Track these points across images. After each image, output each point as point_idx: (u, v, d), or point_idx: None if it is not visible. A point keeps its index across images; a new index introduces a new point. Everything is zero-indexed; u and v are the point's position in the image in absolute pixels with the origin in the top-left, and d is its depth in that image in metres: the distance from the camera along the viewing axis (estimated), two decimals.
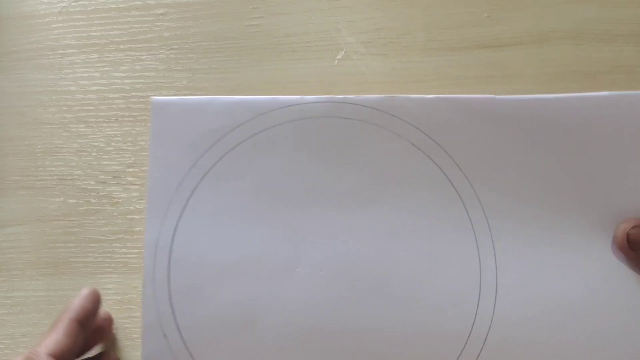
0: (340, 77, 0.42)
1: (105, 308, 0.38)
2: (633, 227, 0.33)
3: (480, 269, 0.34)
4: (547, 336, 0.33)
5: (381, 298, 0.34)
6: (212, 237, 0.35)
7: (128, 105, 0.42)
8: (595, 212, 0.34)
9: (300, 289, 0.34)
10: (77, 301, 0.34)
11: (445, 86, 0.42)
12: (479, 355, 0.33)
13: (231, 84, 0.42)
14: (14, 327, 0.39)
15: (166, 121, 0.36)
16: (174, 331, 0.34)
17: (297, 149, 0.35)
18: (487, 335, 0.33)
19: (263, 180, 0.35)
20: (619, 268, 0.34)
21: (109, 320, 0.37)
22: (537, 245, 0.34)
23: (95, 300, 0.35)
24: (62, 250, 0.40)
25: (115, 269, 0.39)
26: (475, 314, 0.33)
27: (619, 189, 0.35)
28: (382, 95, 0.35)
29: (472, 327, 0.33)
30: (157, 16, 0.43)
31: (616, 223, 0.34)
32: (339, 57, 0.42)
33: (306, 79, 0.42)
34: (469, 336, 0.33)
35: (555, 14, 0.42)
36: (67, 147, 0.42)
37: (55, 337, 0.32)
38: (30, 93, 0.43)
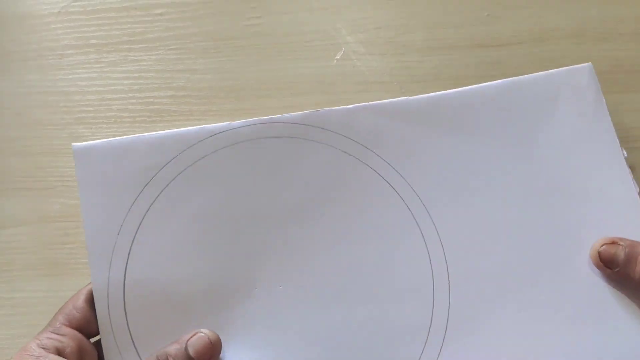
0: (340, 76, 0.42)
1: None
2: (602, 245, 0.34)
3: (430, 259, 0.35)
4: (503, 311, 0.34)
5: (342, 303, 0.35)
6: (164, 274, 0.35)
7: (127, 107, 0.42)
8: (523, 188, 0.36)
9: (262, 308, 0.35)
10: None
11: (444, 86, 0.41)
12: (443, 339, 0.34)
13: (230, 84, 0.42)
14: (14, 327, 0.39)
15: (93, 167, 0.35)
16: None
17: (233, 174, 0.36)
18: (447, 320, 0.34)
19: (205, 210, 0.35)
20: (560, 235, 0.35)
21: None
22: (478, 227, 0.35)
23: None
24: (62, 251, 0.40)
25: None
26: (433, 302, 0.34)
27: (543, 169, 0.36)
28: (307, 111, 0.36)
29: (432, 315, 0.34)
30: (155, 16, 0.43)
31: (544, 197, 0.36)
32: (338, 57, 0.42)
33: (305, 78, 0.42)
34: (430, 324, 0.34)
35: (555, 12, 0.42)
36: (67, 148, 0.42)
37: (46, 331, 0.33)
38: (30, 94, 0.43)
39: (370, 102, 0.36)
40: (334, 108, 0.36)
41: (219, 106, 0.42)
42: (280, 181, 0.36)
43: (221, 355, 0.34)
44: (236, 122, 0.36)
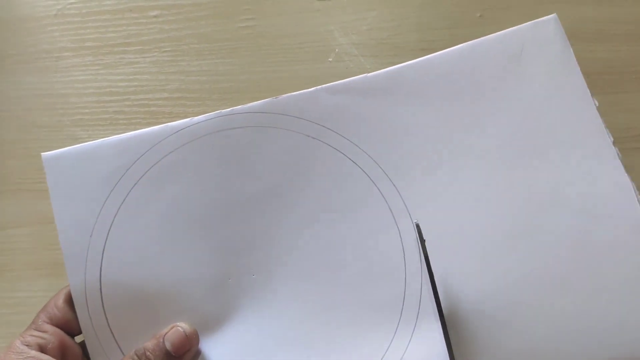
0: (333, 78, 0.42)
1: None
2: None
3: (400, 234, 0.35)
4: (477, 278, 0.34)
5: (317, 285, 0.35)
6: (139, 272, 0.35)
7: (122, 108, 0.43)
8: (493, 153, 0.36)
9: (237, 298, 0.35)
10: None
11: None
12: (417, 316, 0.34)
13: (224, 86, 0.42)
14: (15, 326, 0.40)
15: (63, 174, 0.36)
16: None
17: (198, 168, 0.36)
18: (420, 297, 0.34)
19: (174, 205, 0.36)
20: (538, 197, 0.35)
21: None
22: (448, 197, 0.35)
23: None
24: (61, 251, 0.41)
25: None
26: (405, 279, 0.35)
27: (514, 129, 0.36)
28: (267, 99, 0.36)
29: (404, 292, 0.35)
30: (150, 18, 0.44)
31: (517, 159, 0.35)
32: (331, 59, 0.42)
33: (298, 80, 0.42)
34: (403, 302, 0.35)
35: (547, 13, 0.42)
36: None
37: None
38: (27, 96, 0.43)
39: (329, 83, 0.36)
40: (292, 93, 0.36)
41: (213, 108, 0.42)
42: (245, 171, 0.36)
43: (200, 346, 0.35)
44: (197, 117, 0.36)
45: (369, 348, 0.34)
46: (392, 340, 0.34)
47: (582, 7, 0.42)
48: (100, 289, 0.35)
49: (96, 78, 0.43)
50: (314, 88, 0.36)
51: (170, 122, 0.42)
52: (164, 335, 0.34)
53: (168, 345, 0.33)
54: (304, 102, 0.36)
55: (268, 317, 0.35)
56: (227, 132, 0.36)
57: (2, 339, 0.40)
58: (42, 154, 0.36)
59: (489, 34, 0.42)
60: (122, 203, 0.36)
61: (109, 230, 0.35)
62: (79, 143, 0.42)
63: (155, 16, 0.44)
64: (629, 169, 0.40)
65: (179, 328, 0.34)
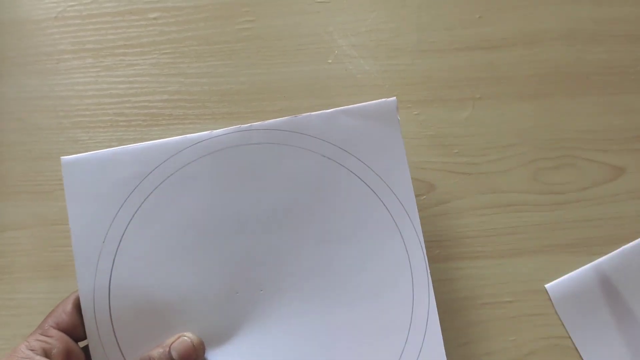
0: (332, 80, 0.42)
1: None
2: None
3: (409, 260, 0.35)
4: None
5: (323, 305, 0.35)
6: (148, 282, 0.36)
7: (122, 110, 0.43)
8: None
9: (243, 312, 0.36)
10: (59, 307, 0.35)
11: (436, 88, 0.42)
12: (424, 337, 0.34)
13: (223, 88, 0.42)
14: (16, 328, 0.41)
15: (80, 178, 0.36)
16: None
17: (214, 181, 0.36)
18: (427, 318, 0.35)
19: (187, 217, 0.36)
20: None
21: None
22: None
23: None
24: (61, 253, 0.41)
25: None
26: (413, 302, 0.35)
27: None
28: (286, 117, 0.36)
29: (412, 314, 0.35)
30: (150, 21, 0.44)
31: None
32: (330, 61, 0.42)
33: (298, 82, 0.42)
34: (410, 323, 0.35)
35: (547, 14, 0.42)
36: (65, 152, 0.42)
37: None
38: (28, 99, 0.43)
39: (349, 106, 0.37)
40: (312, 113, 0.36)
41: (212, 110, 0.42)
42: (260, 187, 0.36)
43: (205, 358, 0.35)
44: (217, 131, 0.36)
45: None
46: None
47: (581, 7, 0.42)
48: (109, 296, 0.35)
49: (96, 80, 0.43)
50: (333, 109, 0.36)
51: (169, 126, 0.43)
52: (171, 345, 0.33)
53: (174, 355, 0.33)
54: (323, 123, 0.36)
55: (273, 333, 0.35)
56: (245, 147, 0.36)
57: (2, 341, 0.40)
58: (62, 157, 0.36)
59: (489, 35, 0.42)
60: (136, 211, 0.36)
61: (121, 238, 0.36)
62: (80, 145, 0.43)
63: (155, 18, 0.44)
64: (628, 170, 0.41)
65: (185, 338, 0.34)
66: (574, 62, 0.41)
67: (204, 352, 0.34)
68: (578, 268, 0.39)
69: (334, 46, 0.43)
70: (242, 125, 0.36)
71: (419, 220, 0.36)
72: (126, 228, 0.36)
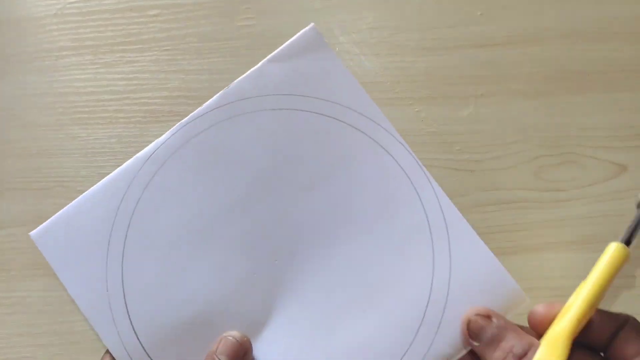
0: None
1: None
2: (476, 314, 0.33)
3: (410, 180, 0.36)
4: None
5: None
6: (167, 301, 0.35)
7: (122, 107, 0.42)
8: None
9: (268, 287, 0.35)
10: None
11: (437, 85, 0.42)
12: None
13: (223, 85, 0.42)
14: (12, 327, 0.40)
15: (56, 245, 0.36)
16: None
17: (184, 181, 0.36)
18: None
19: (176, 226, 0.36)
20: None
21: None
22: None
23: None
24: None
25: None
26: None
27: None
28: (219, 93, 0.36)
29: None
30: (150, 17, 0.44)
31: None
32: None
33: None
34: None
35: (549, 12, 0.42)
36: (63, 149, 0.42)
37: None
38: (26, 95, 0.43)
39: (272, 53, 0.36)
40: (241, 77, 0.36)
41: None
42: (231, 166, 0.36)
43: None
44: (161, 137, 0.36)
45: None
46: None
47: (584, 5, 0.42)
48: (138, 339, 0.34)
49: (96, 77, 0.43)
50: (259, 64, 0.36)
51: (169, 122, 0.42)
52: (216, 352, 0.33)
53: (223, 359, 0.32)
54: (256, 80, 0.36)
55: (302, 299, 0.35)
56: (196, 139, 0.36)
57: (0, 340, 0.40)
58: (30, 233, 0.36)
59: (490, 33, 0.42)
60: (125, 243, 0.35)
61: (122, 277, 0.35)
62: (79, 142, 0.42)
63: (155, 15, 0.44)
64: (629, 167, 0.41)
65: (229, 337, 0.33)
66: (576, 60, 0.41)
67: (250, 344, 0.34)
68: (580, 265, 0.39)
69: (335, 43, 0.42)
70: (182, 120, 0.36)
71: (396, 131, 0.35)
72: (122, 265, 0.35)
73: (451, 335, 0.34)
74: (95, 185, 0.36)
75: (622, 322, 0.32)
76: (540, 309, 0.32)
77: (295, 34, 0.42)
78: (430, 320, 0.34)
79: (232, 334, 0.33)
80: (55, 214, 0.36)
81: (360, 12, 0.43)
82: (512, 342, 0.31)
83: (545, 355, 0.29)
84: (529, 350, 0.30)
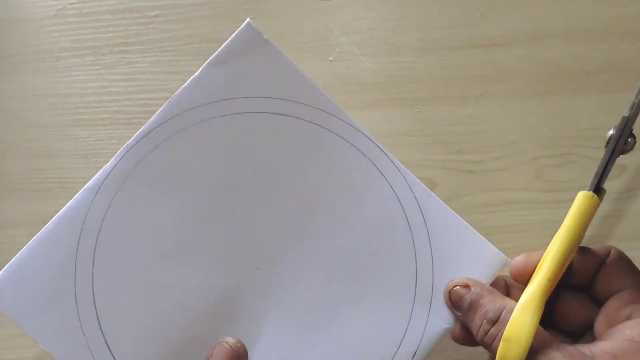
0: (333, 78, 0.42)
1: None
2: (456, 285, 0.33)
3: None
4: None
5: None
6: (151, 327, 0.33)
7: (122, 108, 0.42)
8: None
9: (250, 294, 0.34)
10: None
11: (437, 86, 0.42)
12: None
13: None
14: (13, 327, 0.40)
15: (15, 298, 0.32)
16: None
17: (143, 205, 0.34)
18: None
19: (148, 242, 0.34)
20: None
21: None
22: None
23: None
24: None
25: None
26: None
27: None
28: (162, 107, 0.34)
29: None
30: (150, 18, 0.44)
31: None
32: (332, 58, 0.42)
33: None
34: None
35: (549, 12, 0.42)
36: (64, 150, 0.42)
37: None
38: (27, 96, 0.43)
39: (210, 58, 0.34)
40: (182, 86, 0.34)
41: None
42: (187, 183, 0.34)
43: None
44: (108, 164, 0.34)
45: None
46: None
47: (584, 5, 0.42)
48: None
49: (96, 78, 0.43)
50: (199, 70, 0.34)
51: None
52: (210, 359, 0.32)
53: None
54: (199, 88, 0.34)
55: (285, 303, 0.34)
56: (145, 160, 0.34)
57: (2, 340, 0.40)
58: None
59: (490, 33, 0.42)
60: (93, 285, 0.33)
61: (98, 319, 0.33)
62: (79, 143, 0.42)
63: (155, 16, 0.44)
64: (630, 167, 0.41)
65: (223, 344, 0.32)
66: (576, 60, 0.41)
67: (246, 351, 0.33)
68: None
69: (335, 44, 0.42)
70: (128, 142, 0.34)
71: (352, 119, 0.34)
72: (95, 305, 0.33)
73: (443, 311, 0.34)
74: (45, 227, 0.33)
75: (604, 256, 0.32)
76: (519, 260, 0.32)
77: (295, 34, 0.43)
78: (422, 300, 0.34)
79: (227, 340, 0.33)
80: (9, 263, 0.33)
81: (360, 13, 0.43)
82: (486, 308, 0.31)
83: (518, 319, 0.29)
84: (501, 313, 0.30)
